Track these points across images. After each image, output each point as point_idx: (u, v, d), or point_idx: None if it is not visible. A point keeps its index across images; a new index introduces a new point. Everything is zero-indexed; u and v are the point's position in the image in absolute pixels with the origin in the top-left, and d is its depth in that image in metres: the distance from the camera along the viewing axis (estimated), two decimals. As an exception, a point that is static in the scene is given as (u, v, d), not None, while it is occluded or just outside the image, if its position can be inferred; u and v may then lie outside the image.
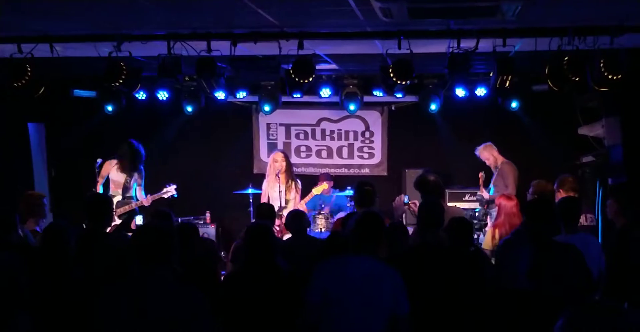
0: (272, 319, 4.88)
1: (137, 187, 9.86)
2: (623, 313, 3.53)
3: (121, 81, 7.84)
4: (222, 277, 6.25)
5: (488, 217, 9.30)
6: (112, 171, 9.81)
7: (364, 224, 4.83)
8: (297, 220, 7.09)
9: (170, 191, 9.77)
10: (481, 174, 9.99)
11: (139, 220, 9.59)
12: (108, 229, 6.78)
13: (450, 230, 5.86)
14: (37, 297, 4.93)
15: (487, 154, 9.93)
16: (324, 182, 10.20)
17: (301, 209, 8.99)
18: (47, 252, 5.19)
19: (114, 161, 9.82)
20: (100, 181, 9.79)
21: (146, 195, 9.73)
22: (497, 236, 7.50)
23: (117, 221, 9.48)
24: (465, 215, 6.76)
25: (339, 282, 4.60)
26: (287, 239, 7.53)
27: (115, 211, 9.42)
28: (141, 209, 9.76)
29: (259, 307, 4.86)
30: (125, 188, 9.71)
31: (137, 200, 9.72)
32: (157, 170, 10.34)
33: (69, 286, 5.01)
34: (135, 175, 9.79)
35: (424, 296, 4.89)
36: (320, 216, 9.94)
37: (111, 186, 9.80)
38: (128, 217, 9.55)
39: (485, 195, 9.70)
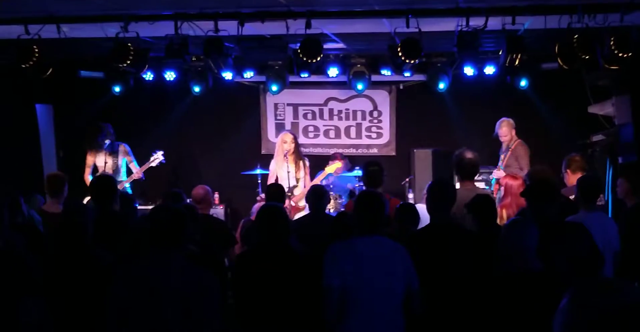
0: (284, 300, 4.88)
1: (130, 164, 9.88)
2: (625, 291, 3.53)
3: (128, 62, 7.86)
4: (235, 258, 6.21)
5: (495, 197, 9.25)
6: (92, 158, 9.83)
7: (362, 204, 4.87)
8: (317, 196, 7.00)
9: (157, 157, 9.82)
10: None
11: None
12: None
13: (474, 207, 5.81)
14: (56, 281, 4.77)
15: (507, 129, 9.84)
16: (337, 161, 10.13)
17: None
18: (68, 232, 4.95)
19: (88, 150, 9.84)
20: (88, 170, 9.79)
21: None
22: (504, 216, 7.46)
23: None
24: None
25: (354, 264, 4.60)
26: (303, 216, 7.54)
27: None
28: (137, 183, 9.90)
29: (270, 288, 4.86)
30: (114, 171, 9.64)
31: (127, 177, 9.75)
32: (164, 151, 10.28)
33: (97, 269, 4.75)
34: (120, 154, 9.79)
35: (433, 278, 4.88)
36: (330, 197, 9.90)
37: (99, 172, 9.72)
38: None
39: (496, 174, 9.57)
